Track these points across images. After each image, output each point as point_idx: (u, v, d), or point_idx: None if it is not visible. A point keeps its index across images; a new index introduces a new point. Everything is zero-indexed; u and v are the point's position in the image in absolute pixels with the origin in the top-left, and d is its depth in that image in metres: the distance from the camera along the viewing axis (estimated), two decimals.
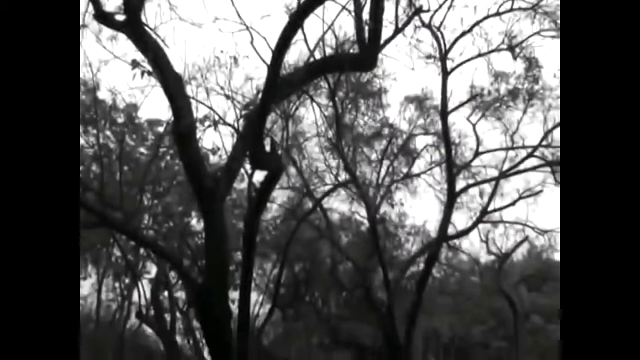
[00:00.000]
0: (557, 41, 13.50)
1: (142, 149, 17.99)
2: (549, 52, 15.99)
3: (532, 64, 16.04)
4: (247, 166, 10.04)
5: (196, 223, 19.54)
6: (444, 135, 16.49)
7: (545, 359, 25.81)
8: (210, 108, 9.86)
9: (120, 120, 15.84)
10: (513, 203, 18.80)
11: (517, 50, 15.39)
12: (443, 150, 17.09)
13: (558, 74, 14.15)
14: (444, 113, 16.16)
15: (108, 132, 15.67)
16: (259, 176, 9.46)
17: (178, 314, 20.74)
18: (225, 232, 10.31)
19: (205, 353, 17.75)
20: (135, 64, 8.61)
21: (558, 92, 15.56)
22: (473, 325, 25.80)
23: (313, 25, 10.35)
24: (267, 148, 8.73)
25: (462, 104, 16.69)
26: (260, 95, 9.18)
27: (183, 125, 8.53)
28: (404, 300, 18.65)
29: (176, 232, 17.22)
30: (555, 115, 16.72)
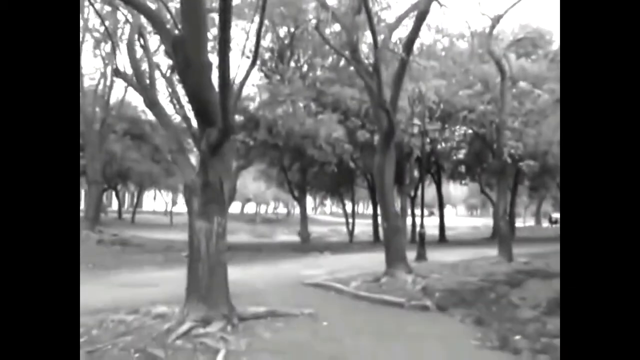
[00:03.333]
0: None
1: None
2: None
3: None
4: None
5: None
6: None
7: (528, 124, 26.45)
8: None
9: None
10: None
11: None
12: None
13: None
14: None
15: None
16: None
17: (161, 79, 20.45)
18: None
19: (192, 119, 17.71)
20: None
21: None
22: (459, 90, 25.84)
23: None
24: None
25: None
26: None
27: None
28: (391, 64, 18.25)
29: None
30: None
